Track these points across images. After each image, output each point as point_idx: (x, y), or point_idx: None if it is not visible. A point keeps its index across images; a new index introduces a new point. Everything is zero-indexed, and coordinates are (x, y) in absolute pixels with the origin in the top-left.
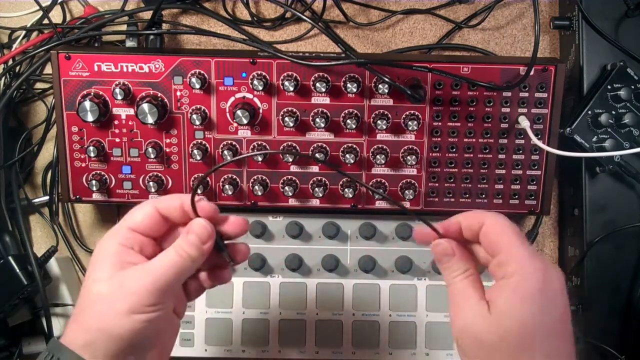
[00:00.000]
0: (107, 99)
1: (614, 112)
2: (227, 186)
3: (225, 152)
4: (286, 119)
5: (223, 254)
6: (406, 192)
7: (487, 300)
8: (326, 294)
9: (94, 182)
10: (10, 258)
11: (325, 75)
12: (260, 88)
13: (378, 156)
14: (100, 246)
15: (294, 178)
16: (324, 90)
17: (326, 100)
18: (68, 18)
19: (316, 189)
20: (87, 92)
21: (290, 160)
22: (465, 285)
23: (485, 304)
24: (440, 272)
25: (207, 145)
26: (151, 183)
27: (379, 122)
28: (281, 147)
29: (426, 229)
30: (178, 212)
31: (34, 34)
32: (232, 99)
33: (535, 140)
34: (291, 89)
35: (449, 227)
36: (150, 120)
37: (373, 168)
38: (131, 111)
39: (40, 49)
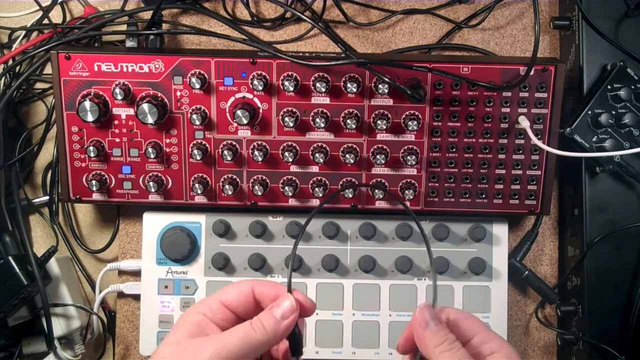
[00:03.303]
0: (107, 99)
1: (614, 112)
2: (227, 186)
3: (225, 152)
4: (286, 119)
5: (294, 352)
6: (406, 192)
7: None
8: (326, 294)
9: (94, 182)
10: (10, 258)
11: (325, 75)
12: (260, 88)
13: (378, 156)
14: (186, 313)
15: (294, 178)
16: (324, 90)
17: (326, 100)
18: (68, 18)
19: (316, 189)
20: (87, 92)
21: (291, 160)
22: (466, 353)
23: None
24: (426, 341)
25: (207, 145)
26: (151, 183)
27: (379, 122)
28: (281, 147)
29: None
30: (272, 299)
31: (34, 34)
32: (232, 99)
33: (535, 140)
34: (291, 89)
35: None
36: (150, 120)
37: (373, 168)
38: (131, 111)
39: (40, 49)
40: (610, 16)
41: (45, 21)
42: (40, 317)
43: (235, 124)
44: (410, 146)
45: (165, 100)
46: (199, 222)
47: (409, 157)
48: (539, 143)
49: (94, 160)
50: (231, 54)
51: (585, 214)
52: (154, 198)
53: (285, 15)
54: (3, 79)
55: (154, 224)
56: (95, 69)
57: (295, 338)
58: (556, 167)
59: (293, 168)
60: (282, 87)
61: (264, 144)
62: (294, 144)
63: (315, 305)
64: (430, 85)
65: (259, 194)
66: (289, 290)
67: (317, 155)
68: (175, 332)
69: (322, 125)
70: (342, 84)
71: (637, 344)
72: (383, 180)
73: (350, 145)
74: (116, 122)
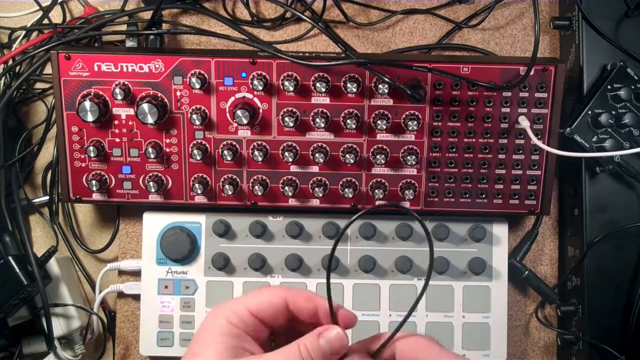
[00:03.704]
0: (107, 99)
1: (614, 112)
2: (227, 186)
3: (225, 152)
4: (286, 119)
5: None
6: (406, 192)
7: None
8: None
9: (94, 182)
10: (10, 258)
11: (325, 75)
12: (260, 88)
13: (378, 156)
14: (211, 321)
15: (294, 178)
16: (324, 90)
17: (326, 100)
18: (68, 18)
19: (316, 189)
20: (87, 92)
21: (291, 160)
22: None
23: None
24: None
25: (207, 145)
26: (151, 183)
27: (379, 122)
28: (281, 147)
29: None
30: (309, 313)
31: (34, 34)
32: (232, 99)
33: (535, 140)
34: (291, 89)
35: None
36: (150, 120)
37: (373, 168)
38: (131, 111)
39: (40, 49)
40: (610, 16)
41: (45, 21)
42: (40, 317)
43: (235, 124)
44: (410, 146)
45: (165, 100)
46: (199, 222)
47: (409, 157)
48: (539, 143)
49: (94, 160)
50: (231, 54)
51: (585, 214)
52: (154, 198)
53: (285, 15)
54: (3, 79)
55: (154, 224)
56: (95, 69)
57: None
58: (556, 167)
59: (293, 168)
60: (282, 87)
61: (264, 144)
62: (294, 144)
63: (356, 318)
64: (430, 85)
65: (259, 194)
66: (331, 311)
67: (317, 155)
68: (209, 346)
69: (322, 125)
70: (342, 84)
71: (637, 344)
72: (383, 180)
73: (350, 145)
74: (116, 122)
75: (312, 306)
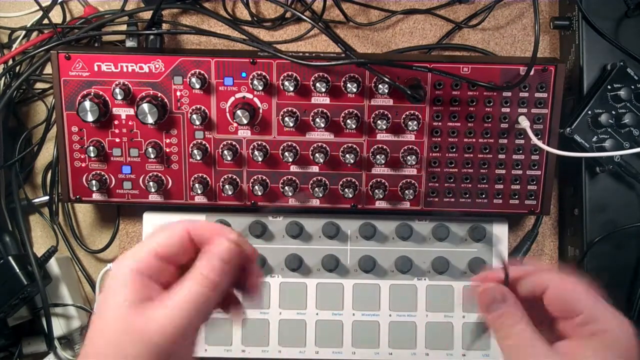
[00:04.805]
0: (107, 99)
1: (614, 112)
2: (227, 186)
3: (225, 152)
4: (286, 119)
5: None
6: (406, 192)
7: (568, 354)
8: (326, 294)
9: (94, 182)
10: (10, 258)
11: (325, 75)
12: (260, 88)
13: (378, 156)
14: (115, 273)
15: (294, 178)
16: (324, 90)
17: (326, 100)
18: (68, 18)
19: (316, 189)
20: (87, 92)
21: (291, 160)
22: (532, 335)
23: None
24: (490, 325)
25: (207, 145)
26: (151, 183)
27: (379, 122)
28: (281, 147)
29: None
30: (209, 239)
31: (34, 34)
32: (232, 99)
33: (535, 140)
34: (291, 89)
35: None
36: (150, 120)
37: (373, 168)
38: (131, 111)
39: (40, 49)
40: (610, 16)
41: (45, 21)
42: (40, 317)
43: (235, 124)
44: (410, 146)
45: (165, 100)
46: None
47: (409, 157)
48: (539, 143)
49: (94, 160)
50: (231, 54)
51: (585, 214)
52: (154, 198)
53: (285, 15)
54: (3, 79)
55: (154, 224)
56: (95, 69)
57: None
58: (556, 167)
59: (293, 168)
60: (282, 87)
61: (264, 144)
62: (294, 144)
63: (254, 250)
64: (430, 85)
65: (259, 194)
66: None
67: (317, 155)
68: (111, 303)
69: (322, 125)
70: (342, 84)
71: None
72: (383, 180)
73: (350, 145)
74: (116, 122)
75: (214, 235)
